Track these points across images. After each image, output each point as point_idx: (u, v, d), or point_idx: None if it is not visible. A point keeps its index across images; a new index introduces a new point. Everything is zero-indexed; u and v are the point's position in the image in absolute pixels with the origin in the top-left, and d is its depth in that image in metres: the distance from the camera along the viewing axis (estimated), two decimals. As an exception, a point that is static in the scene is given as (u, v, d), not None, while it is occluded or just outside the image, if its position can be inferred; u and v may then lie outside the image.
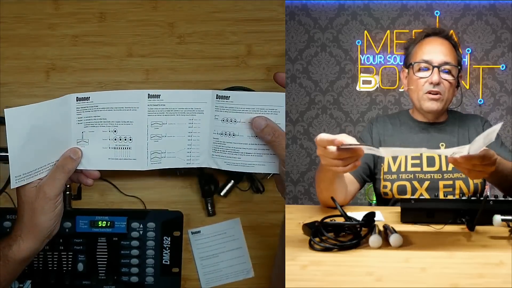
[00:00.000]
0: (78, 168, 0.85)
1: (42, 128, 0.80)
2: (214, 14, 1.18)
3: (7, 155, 1.09)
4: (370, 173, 1.27)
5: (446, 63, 1.22)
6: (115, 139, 0.85)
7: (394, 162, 1.25)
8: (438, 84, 1.22)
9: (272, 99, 0.83)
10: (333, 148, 0.82)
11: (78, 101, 0.83)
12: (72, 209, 1.09)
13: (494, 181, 1.16)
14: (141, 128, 0.84)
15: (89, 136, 0.85)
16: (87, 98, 0.82)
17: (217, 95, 0.83)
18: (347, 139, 0.83)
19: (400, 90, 2.64)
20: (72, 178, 0.86)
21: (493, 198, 0.96)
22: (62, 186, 0.83)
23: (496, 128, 0.83)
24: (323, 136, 0.82)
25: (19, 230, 0.83)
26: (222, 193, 1.16)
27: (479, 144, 0.84)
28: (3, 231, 1.05)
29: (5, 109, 0.77)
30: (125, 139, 0.85)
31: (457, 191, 1.22)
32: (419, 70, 1.24)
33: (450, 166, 1.21)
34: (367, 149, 0.84)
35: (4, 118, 1.12)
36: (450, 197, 1.18)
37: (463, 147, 0.87)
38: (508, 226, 0.89)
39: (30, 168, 0.81)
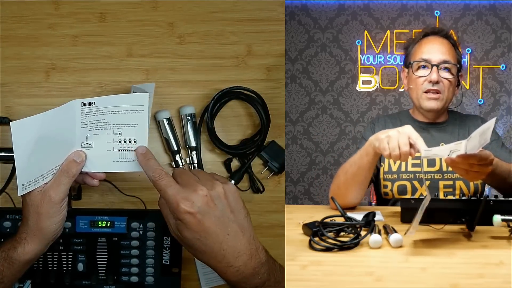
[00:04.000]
0: (82, 170, 0.86)
1: (47, 136, 0.81)
2: (214, 14, 1.18)
3: (7, 155, 1.10)
4: (377, 172, 1.27)
5: (445, 62, 1.22)
6: (120, 142, 0.85)
7: (395, 162, 1.25)
8: (437, 82, 1.22)
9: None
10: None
11: (83, 106, 0.83)
12: (72, 209, 1.09)
13: (492, 183, 1.16)
14: (144, 130, 0.85)
15: (93, 139, 0.85)
16: (92, 103, 0.83)
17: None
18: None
19: (400, 90, 2.64)
20: (77, 180, 0.86)
21: (493, 198, 0.97)
22: (67, 190, 0.83)
23: (491, 125, 0.83)
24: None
25: (24, 233, 0.83)
26: (222, 193, 1.16)
27: (475, 141, 0.84)
28: (3, 231, 1.05)
29: (11, 122, 0.78)
30: (130, 142, 0.85)
31: (457, 191, 1.22)
32: (418, 69, 1.25)
33: (450, 166, 1.22)
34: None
35: (3, 118, 1.13)
36: (450, 197, 1.18)
37: (459, 142, 0.86)
38: (508, 226, 0.89)
39: (36, 174, 0.81)
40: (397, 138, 0.96)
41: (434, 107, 1.23)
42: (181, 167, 1.16)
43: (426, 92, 1.23)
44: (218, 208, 0.76)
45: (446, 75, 1.23)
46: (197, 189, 0.76)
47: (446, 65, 1.22)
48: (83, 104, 0.83)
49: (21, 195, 0.82)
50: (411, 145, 0.96)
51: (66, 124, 0.83)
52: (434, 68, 1.21)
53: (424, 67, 1.23)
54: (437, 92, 1.22)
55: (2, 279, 0.84)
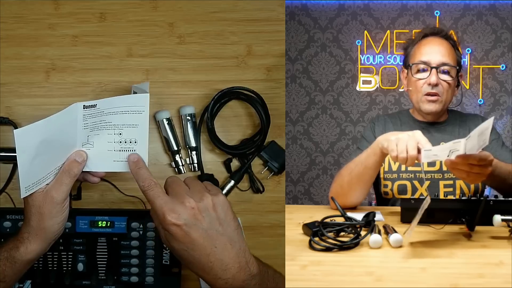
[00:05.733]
0: (83, 170, 0.86)
1: (49, 140, 0.81)
2: (214, 14, 1.18)
3: (7, 155, 1.10)
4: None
5: (444, 64, 1.22)
6: (120, 142, 0.85)
7: (395, 161, 1.25)
8: (436, 85, 1.21)
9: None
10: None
11: (85, 109, 0.83)
12: (72, 209, 1.08)
13: (492, 185, 1.16)
14: (145, 130, 0.85)
15: (94, 139, 0.85)
16: (94, 106, 0.83)
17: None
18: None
19: (400, 90, 2.64)
20: (78, 177, 0.86)
21: (493, 198, 0.97)
22: (69, 190, 0.84)
23: (489, 125, 0.83)
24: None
25: (27, 232, 0.83)
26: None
27: (474, 141, 0.84)
28: (3, 231, 1.05)
29: (14, 130, 0.78)
30: (130, 142, 0.85)
31: (457, 191, 1.22)
32: (418, 71, 1.24)
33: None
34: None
35: (4, 118, 1.14)
36: (450, 197, 1.18)
37: (458, 141, 0.86)
38: (508, 226, 0.89)
39: (38, 176, 0.81)
40: (406, 142, 0.96)
41: (433, 110, 1.23)
42: (182, 167, 1.15)
43: (425, 94, 1.23)
44: (205, 220, 0.76)
45: (445, 77, 1.22)
46: (185, 201, 0.76)
47: (445, 68, 1.22)
48: (84, 107, 0.83)
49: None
50: (418, 150, 0.96)
51: (67, 126, 0.83)
52: (433, 70, 1.21)
53: (423, 69, 1.23)
54: (436, 94, 1.22)
55: (4, 279, 0.84)
